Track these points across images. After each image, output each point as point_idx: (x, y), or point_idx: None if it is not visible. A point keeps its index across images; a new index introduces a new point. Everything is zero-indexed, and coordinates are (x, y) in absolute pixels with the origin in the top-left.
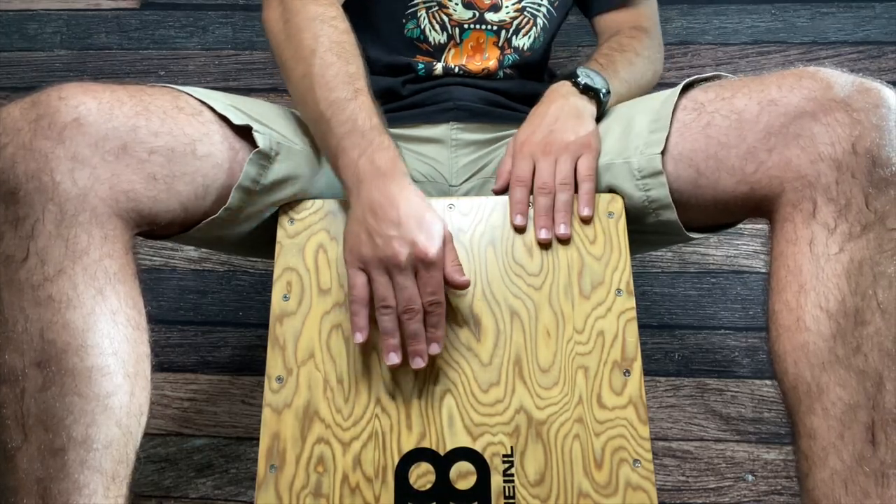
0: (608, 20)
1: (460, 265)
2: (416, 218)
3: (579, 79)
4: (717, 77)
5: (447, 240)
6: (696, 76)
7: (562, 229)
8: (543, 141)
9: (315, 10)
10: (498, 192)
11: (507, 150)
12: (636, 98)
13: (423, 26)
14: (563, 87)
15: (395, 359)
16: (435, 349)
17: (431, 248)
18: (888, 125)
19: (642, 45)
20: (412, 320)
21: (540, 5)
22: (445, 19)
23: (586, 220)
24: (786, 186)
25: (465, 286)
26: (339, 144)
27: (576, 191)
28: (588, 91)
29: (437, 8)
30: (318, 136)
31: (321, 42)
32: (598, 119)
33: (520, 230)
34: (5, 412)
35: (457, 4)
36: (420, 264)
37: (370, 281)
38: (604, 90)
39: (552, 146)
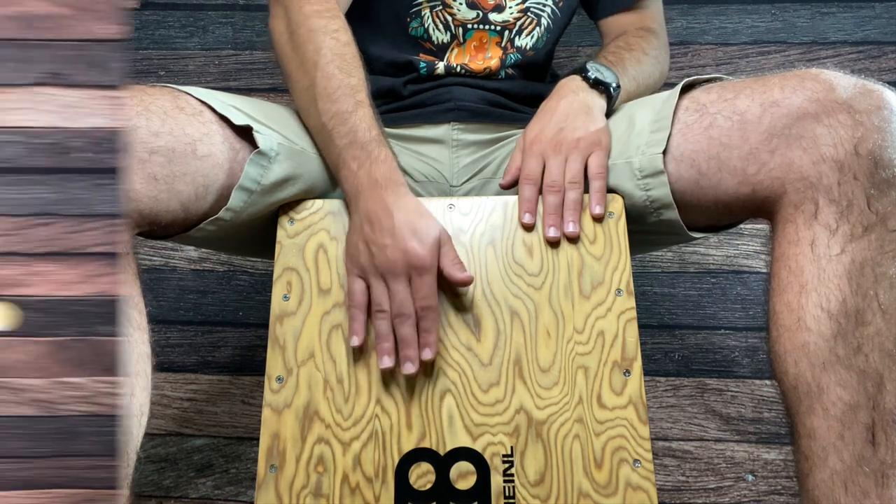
0: (615, 22)
1: (460, 262)
2: (409, 225)
3: (589, 73)
4: (717, 79)
5: (443, 241)
6: (696, 77)
7: (570, 227)
8: (553, 139)
9: (317, 22)
10: (505, 187)
11: (517, 145)
12: (638, 98)
13: (426, 25)
14: (573, 81)
15: (387, 362)
16: (427, 354)
17: (424, 255)
18: (890, 127)
19: (650, 45)
20: (404, 325)
21: (544, 5)
22: (449, 19)
23: (598, 219)
24: (787, 188)
25: (467, 282)
26: (341, 156)
27: (586, 189)
28: (598, 85)
29: (440, 7)
30: (321, 145)
31: (323, 54)
32: (609, 115)
33: (528, 228)
34: None
35: (461, 4)
36: (413, 271)
37: (368, 287)
38: (614, 84)
39: (562, 144)
